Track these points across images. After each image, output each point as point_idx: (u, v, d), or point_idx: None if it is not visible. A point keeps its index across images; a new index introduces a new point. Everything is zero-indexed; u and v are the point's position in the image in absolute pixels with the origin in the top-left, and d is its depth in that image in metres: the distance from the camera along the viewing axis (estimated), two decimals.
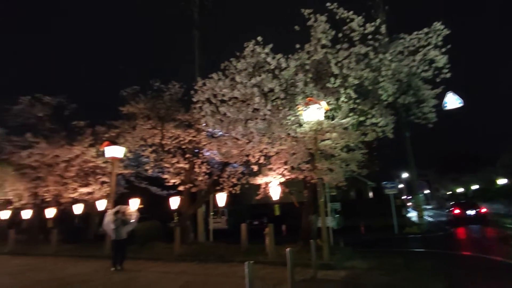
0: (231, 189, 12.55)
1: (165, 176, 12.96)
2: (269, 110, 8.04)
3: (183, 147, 12.78)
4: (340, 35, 7.92)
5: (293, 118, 8.31)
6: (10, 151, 15.41)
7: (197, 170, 12.91)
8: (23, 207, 16.77)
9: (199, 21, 16.82)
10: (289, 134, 8.43)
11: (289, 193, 10.33)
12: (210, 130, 10.55)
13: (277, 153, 9.18)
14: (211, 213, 15.83)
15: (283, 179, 9.76)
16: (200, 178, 12.95)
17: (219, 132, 10.09)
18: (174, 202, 12.96)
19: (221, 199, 12.94)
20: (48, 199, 16.20)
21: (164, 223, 15.56)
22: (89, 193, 15.38)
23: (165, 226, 15.21)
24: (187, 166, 12.74)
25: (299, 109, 7.90)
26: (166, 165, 12.82)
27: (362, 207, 20.78)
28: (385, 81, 7.93)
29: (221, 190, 12.77)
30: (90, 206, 15.82)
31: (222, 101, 8.66)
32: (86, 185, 15.28)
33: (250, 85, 8.00)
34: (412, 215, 24.42)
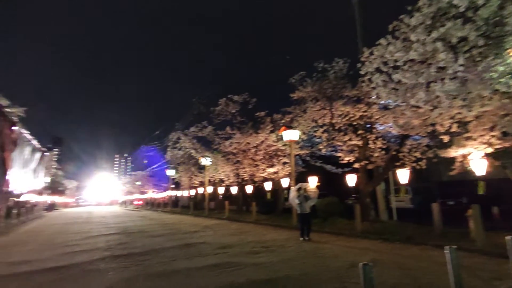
0: (414, 164, 11.14)
1: (339, 154, 13.09)
2: (461, 65, 6.40)
3: (354, 123, 12.43)
4: None
5: (501, 69, 6.26)
6: (218, 142, 20.13)
7: (371, 146, 12.25)
8: (231, 184, 21.61)
9: None
10: (496, 90, 6.44)
11: (501, 167, 7.98)
12: (382, 102, 9.67)
13: (477, 117, 7.26)
14: (390, 191, 14.72)
15: (489, 149, 7.63)
16: (376, 154, 12.23)
17: (394, 102, 9.07)
18: (351, 180, 12.90)
19: (402, 175, 11.73)
20: (246, 178, 20.11)
21: (341, 200, 15.85)
22: (275, 173, 17.84)
23: (342, 203, 15.48)
24: (360, 142, 12.33)
25: (511, 54, 5.85)
26: (339, 143, 12.91)
27: None
28: None
29: (402, 166, 11.56)
30: (276, 183, 18.36)
31: (395, 68, 7.68)
32: (272, 165, 17.79)
33: (431, 40, 6.63)
34: None
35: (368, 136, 12.28)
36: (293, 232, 11.44)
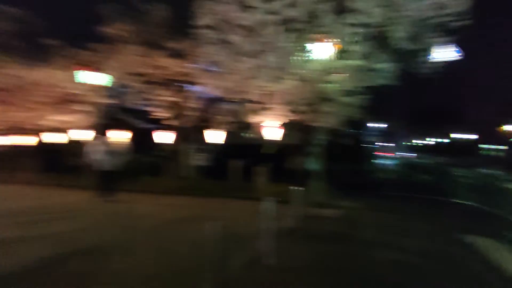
0: (222, 126, 12.20)
1: (150, 109, 12.22)
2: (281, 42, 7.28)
3: (169, 78, 11.80)
4: None
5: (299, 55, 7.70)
6: None
7: (182, 104, 12.22)
8: None
9: None
10: (294, 72, 7.87)
11: (286, 135, 10.13)
12: (208, 61, 9.53)
13: (276, 92, 8.59)
14: (193, 150, 15.52)
15: (279, 121, 9.42)
16: (187, 113, 12.35)
17: (215, 67, 9.26)
18: (159, 136, 12.55)
19: (211, 136, 12.68)
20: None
21: (149, 157, 15.24)
22: (67, 122, 14.14)
23: (149, 160, 14.90)
24: (172, 99, 11.99)
25: (314, 43, 7.27)
26: (150, 97, 11.95)
27: (341, 152, 21.44)
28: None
29: (209, 127, 12.41)
30: (63, 135, 14.74)
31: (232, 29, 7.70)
32: (62, 113, 13.94)
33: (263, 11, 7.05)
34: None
35: (181, 94, 12.14)
36: (88, 193, 9.74)
